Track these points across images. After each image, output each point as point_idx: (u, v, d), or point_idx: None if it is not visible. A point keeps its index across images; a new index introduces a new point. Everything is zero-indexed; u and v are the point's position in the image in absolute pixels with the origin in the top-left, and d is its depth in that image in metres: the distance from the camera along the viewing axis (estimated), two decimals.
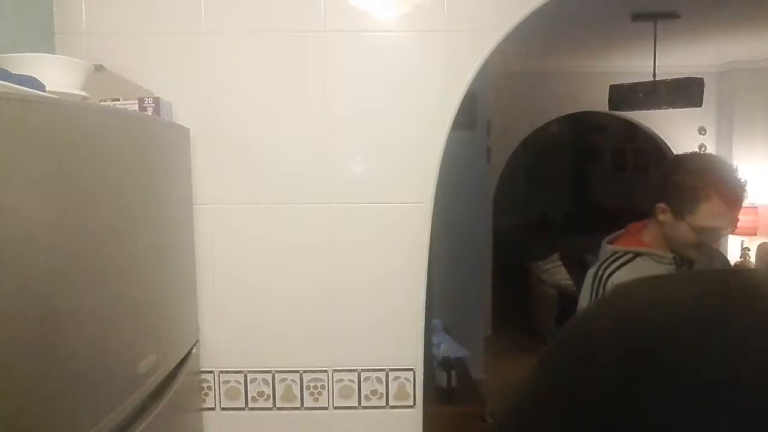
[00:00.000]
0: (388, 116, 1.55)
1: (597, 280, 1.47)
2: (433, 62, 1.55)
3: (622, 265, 1.47)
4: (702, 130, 4.82)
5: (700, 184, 1.37)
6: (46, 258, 0.84)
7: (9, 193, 0.77)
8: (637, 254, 1.49)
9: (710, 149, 4.76)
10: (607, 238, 1.59)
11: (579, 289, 1.57)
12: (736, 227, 1.40)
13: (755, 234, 4.27)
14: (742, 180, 1.38)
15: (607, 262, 1.50)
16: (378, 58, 1.55)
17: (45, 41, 1.47)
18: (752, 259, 4.40)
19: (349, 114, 1.55)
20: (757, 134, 4.48)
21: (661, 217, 1.45)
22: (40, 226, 0.84)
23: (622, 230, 1.61)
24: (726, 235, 1.42)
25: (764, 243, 4.24)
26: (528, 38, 2.62)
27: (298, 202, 1.57)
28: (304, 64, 1.54)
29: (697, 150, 4.68)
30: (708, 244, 1.42)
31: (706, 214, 1.36)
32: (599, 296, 1.45)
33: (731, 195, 1.36)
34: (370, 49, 1.54)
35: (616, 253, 1.51)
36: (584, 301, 1.50)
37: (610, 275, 1.46)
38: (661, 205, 1.45)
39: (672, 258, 1.48)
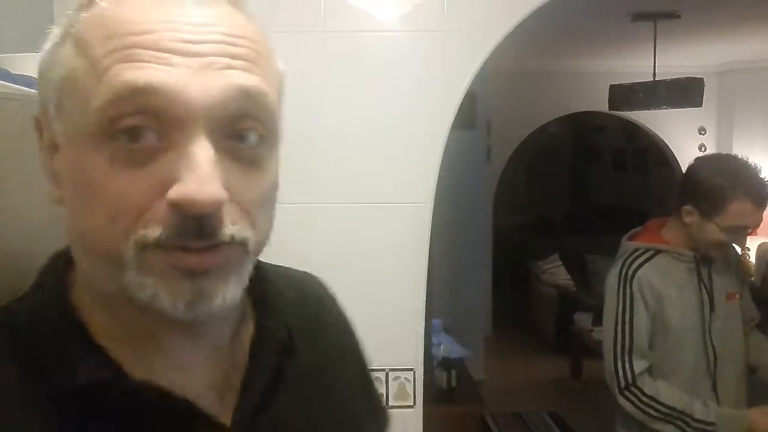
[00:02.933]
0: (388, 116, 1.55)
1: (623, 277, 1.48)
2: (433, 62, 1.54)
3: (645, 261, 1.49)
4: (702, 130, 4.82)
5: (727, 184, 1.39)
6: (45, 258, 0.84)
7: (9, 194, 0.77)
8: (658, 251, 1.50)
9: (710, 149, 4.76)
10: (626, 235, 1.60)
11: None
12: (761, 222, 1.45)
13: (755, 234, 4.27)
14: (767, 179, 1.41)
15: (630, 258, 1.51)
16: (378, 58, 1.55)
17: (45, 41, 1.47)
18: (752, 259, 4.40)
19: (348, 114, 1.56)
20: (757, 134, 4.48)
21: (688, 219, 1.45)
22: (39, 227, 0.84)
23: (640, 227, 1.61)
24: (750, 234, 1.45)
25: (764, 243, 4.24)
26: (528, 38, 2.62)
27: (298, 202, 1.56)
28: (303, 64, 1.54)
29: (699, 150, 4.68)
30: (735, 242, 1.44)
31: (735, 214, 1.39)
32: (627, 292, 1.46)
33: (758, 194, 1.39)
34: (370, 49, 1.54)
35: (637, 249, 1.53)
36: (611, 299, 1.49)
37: (635, 271, 1.48)
38: (688, 207, 1.45)
39: (692, 256, 1.49)
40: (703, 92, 3.36)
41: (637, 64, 4.27)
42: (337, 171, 1.56)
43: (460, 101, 1.55)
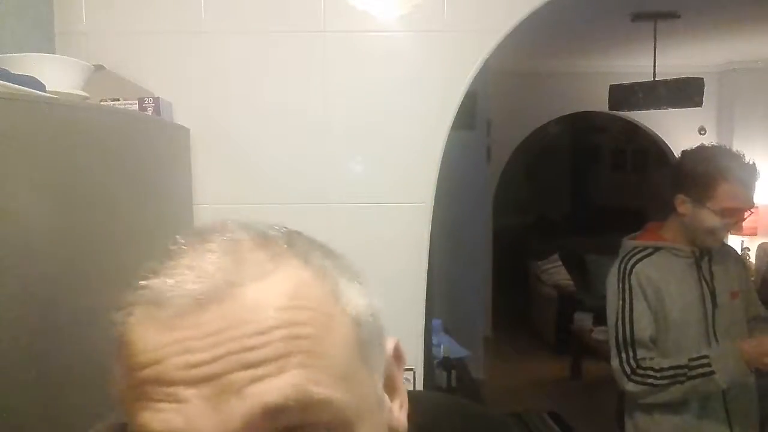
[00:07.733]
0: (388, 116, 1.55)
1: (621, 272, 1.52)
2: (433, 62, 1.55)
3: (644, 257, 1.52)
4: (702, 130, 4.81)
5: (714, 168, 1.44)
6: (45, 258, 0.84)
7: (8, 194, 0.77)
8: (657, 248, 1.53)
9: None
10: (627, 237, 1.63)
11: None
12: (753, 206, 1.48)
13: (755, 234, 4.27)
14: (750, 161, 1.47)
15: (629, 254, 1.55)
16: (378, 58, 1.54)
17: (45, 41, 1.47)
18: (752, 259, 4.40)
19: (348, 114, 1.55)
20: (757, 134, 4.48)
21: (681, 208, 1.49)
22: (39, 227, 0.84)
23: (640, 231, 1.64)
24: (745, 218, 1.49)
25: (764, 243, 4.24)
26: (528, 38, 2.61)
27: (298, 202, 1.57)
28: (304, 64, 1.54)
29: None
30: (729, 227, 1.49)
31: (725, 195, 1.43)
32: (626, 286, 1.50)
33: (744, 174, 1.44)
34: (370, 49, 1.54)
35: (636, 247, 1.56)
36: (612, 295, 1.53)
37: (633, 266, 1.51)
38: (680, 196, 1.49)
39: (691, 251, 1.52)
40: (703, 92, 3.36)
41: (637, 64, 4.26)
42: (337, 171, 1.56)
43: (460, 101, 1.55)
